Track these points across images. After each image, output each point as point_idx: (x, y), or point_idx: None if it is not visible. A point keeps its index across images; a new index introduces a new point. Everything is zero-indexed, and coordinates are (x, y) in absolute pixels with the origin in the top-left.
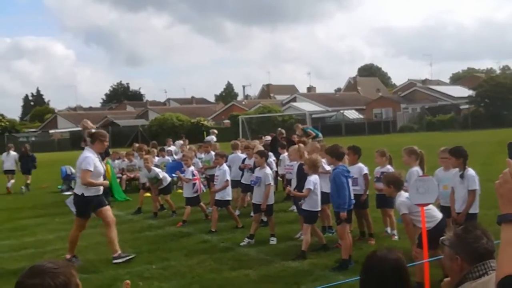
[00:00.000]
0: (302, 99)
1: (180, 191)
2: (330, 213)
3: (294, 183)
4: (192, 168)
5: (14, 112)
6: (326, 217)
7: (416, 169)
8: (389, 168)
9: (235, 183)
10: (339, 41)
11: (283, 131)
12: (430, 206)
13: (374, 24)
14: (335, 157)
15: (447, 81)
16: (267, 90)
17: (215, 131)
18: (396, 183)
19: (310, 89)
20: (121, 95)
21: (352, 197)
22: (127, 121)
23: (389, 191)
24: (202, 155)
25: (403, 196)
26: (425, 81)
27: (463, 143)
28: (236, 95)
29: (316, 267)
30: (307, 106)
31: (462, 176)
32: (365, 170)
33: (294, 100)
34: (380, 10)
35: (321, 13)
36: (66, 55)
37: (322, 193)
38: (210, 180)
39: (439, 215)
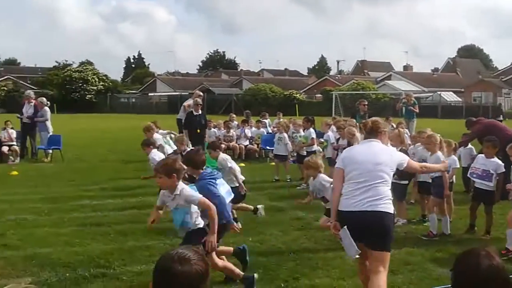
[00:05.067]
0: (397, 78)
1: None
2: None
3: None
4: None
5: (116, 73)
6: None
7: None
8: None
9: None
10: (441, 19)
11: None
12: None
13: (480, 3)
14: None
15: None
16: (361, 66)
17: None
18: None
19: (406, 67)
20: (216, 63)
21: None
22: (222, 89)
23: None
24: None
25: None
26: None
27: None
28: (329, 69)
29: (413, 256)
30: (403, 85)
31: None
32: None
33: (389, 78)
34: None
35: None
36: (168, 20)
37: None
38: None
39: None
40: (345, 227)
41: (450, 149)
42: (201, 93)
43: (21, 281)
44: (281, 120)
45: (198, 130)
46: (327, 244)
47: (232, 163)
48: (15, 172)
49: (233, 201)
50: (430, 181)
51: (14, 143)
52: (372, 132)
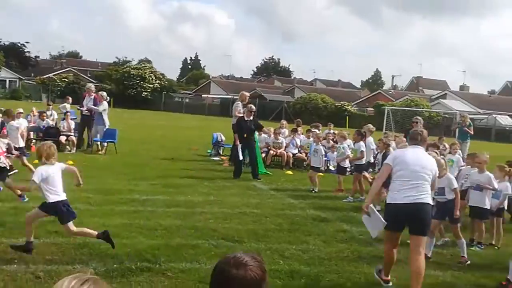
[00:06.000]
0: (452, 97)
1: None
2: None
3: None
4: None
5: (172, 72)
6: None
7: None
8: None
9: None
10: (504, 40)
11: None
12: None
13: None
14: None
15: None
16: (416, 83)
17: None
18: None
19: (463, 87)
20: (271, 69)
21: None
22: (274, 96)
23: None
24: (347, 143)
25: None
26: None
27: None
28: (383, 83)
29: (459, 279)
30: (458, 105)
31: None
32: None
33: (444, 96)
34: None
35: (490, 7)
36: (227, 24)
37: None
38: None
39: None
40: (372, 205)
41: (502, 174)
42: (248, 94)
43: (87, 271)
44: (319, 131)
45: (245, 135)
46: (371, 259)
47: None
48: (70, 162)
49: None
50: (486, 206)
51: (72, 133)
52: (422, 140)
